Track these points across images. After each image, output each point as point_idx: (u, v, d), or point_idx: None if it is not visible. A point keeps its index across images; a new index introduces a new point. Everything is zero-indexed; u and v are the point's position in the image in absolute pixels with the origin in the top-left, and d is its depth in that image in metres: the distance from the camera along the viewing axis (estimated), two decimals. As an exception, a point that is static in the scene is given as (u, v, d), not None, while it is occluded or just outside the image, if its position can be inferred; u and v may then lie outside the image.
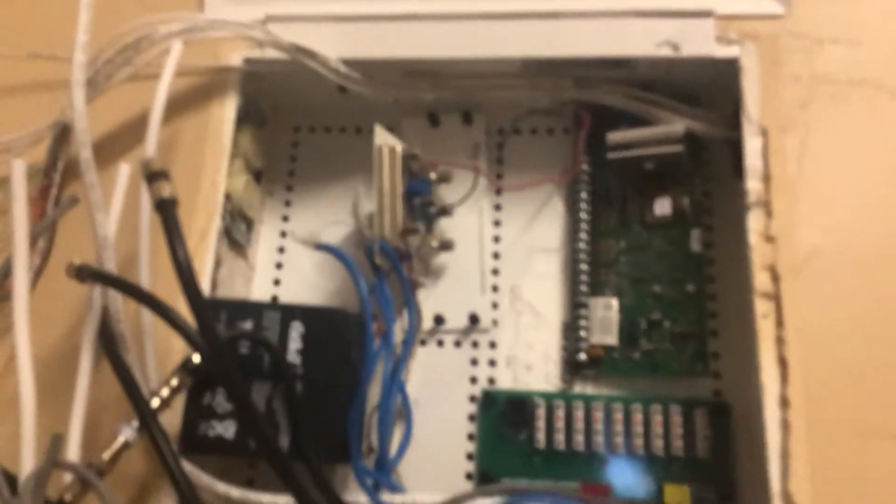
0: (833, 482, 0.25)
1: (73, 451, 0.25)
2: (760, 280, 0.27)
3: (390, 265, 0.33)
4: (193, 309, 0.22)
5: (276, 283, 0.37)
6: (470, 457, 0.33)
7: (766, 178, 0.28)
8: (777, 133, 0.28)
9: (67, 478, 0.24)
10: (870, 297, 0.26)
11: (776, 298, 0.27)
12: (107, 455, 0.25)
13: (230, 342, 0.28)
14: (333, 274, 0.37)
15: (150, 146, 0.28)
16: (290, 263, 0.37)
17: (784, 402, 0.26)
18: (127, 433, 0.25)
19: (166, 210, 0.23)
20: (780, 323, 0.26)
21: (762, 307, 0.27)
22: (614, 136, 0.33)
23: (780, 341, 0.26)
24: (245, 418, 0.23)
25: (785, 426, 0.25)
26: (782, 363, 0.26)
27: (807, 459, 0.25)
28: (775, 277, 0.27)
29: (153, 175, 0.23)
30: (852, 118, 0.28)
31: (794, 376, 0.26)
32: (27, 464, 0.23)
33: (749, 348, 0.28)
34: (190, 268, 0.22)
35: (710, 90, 0.33)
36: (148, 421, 0.25)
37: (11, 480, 0.23)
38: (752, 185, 0.28)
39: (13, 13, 0.39)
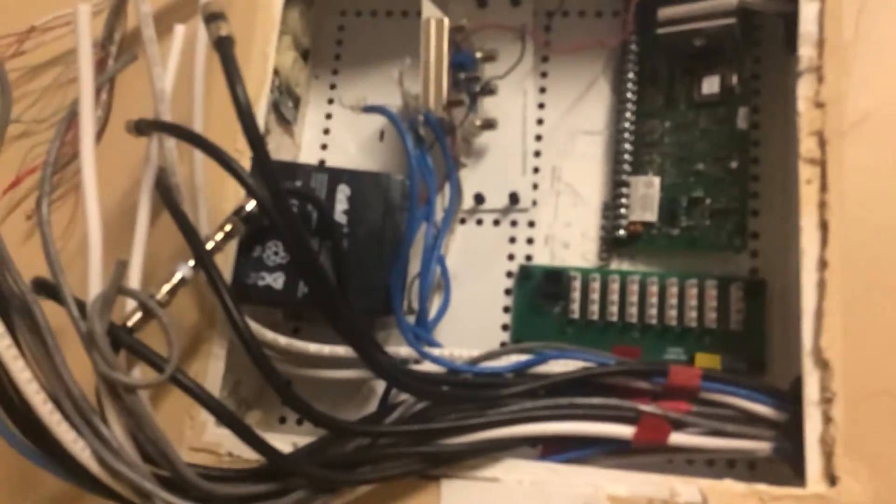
0: (864, 338, 0.25)
1: (134, 283, 0.26)
2: (807, 146, 0.27)
3: (434, 138, 0.33)
4: (250, 139, 0.23)
5: (321, 163, 0.38)
6: (505, 327, 0.34)
7: (820, 44, 0.27)
8: (835, -4, 0.27)
9: (130, 306, 0.26)
10: (918, 163, 0.26)
11: (821, 164, 0.26)
12: (166, 288, 0.26)
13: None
14: (377, 155, 0.37)
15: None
16: (334, 144, 0.38)
17: (822, 264, 0.26)
18: (184, 270, 0.26)
19: (224, 48, 0.23)
20: (823, 187, 0.26)
21: (807, 173, 0.27)
22: (666, 12, 0.32)
23: (822, 205, 0.26)
24: (298, 254, 0.24)
25: (821, 286, 0.25)
26: (823, 226, 0.26)
27: (840, 317, 0.25)
28: (822, 143, 0.27)
29: (212, 16, 0.24)
30: (914, -20, 0.27)
31: (834, 239, 0.26)
32: (94, 289, 0.25)
33: (790, 223, 0.28)
34: (248, 102, 0.23)
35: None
36: (203, 258, 0.26)
37: (81, 306, 0.25)
38: (805, 51, 0.27)
39: None
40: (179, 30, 0.30)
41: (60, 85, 0.36)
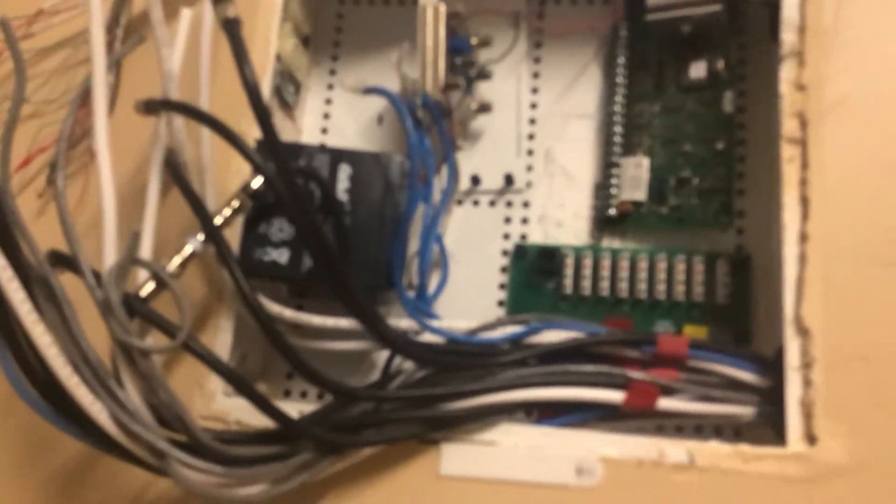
0: (842, 306, 0.26)
1: (145, 257, 0.27)
2: (789, 126, 0.28)
3: (431, 120, 0.34)
4: (257, 114, 0.24)
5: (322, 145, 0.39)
6: (501, 304, 0.35)
7: (802, 30, 0.29)
8: (815, -16, 0.29)
9: (142, 277, 0.27)
10: (893, 141, 0.28)
11: (803, 143, 0.28)
12: (177, 261, 0.27)
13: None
14: (376, 139, 0.39)
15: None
16: (334, 128, 0.39)
17: (803, 237, 0.27)
18: (194, 244, 0.27)
19: (232, 28, 0.24)
20: (804, 165, 0.28)
21: (789, 152, 0.28)
22: (654, -2, 0.33)
23: (803, 182, 0.28)
24: (303, 226, 0.25)
25: (802, 258, 0.27)
26: (804, 202, 0.27)
27: (820, 287, 0.27)
28: (803, 123, 0.28)
29: (219, -3, 0.25)
30: (892, -31, 0.29)
31: (815, 213, 0.27)
32: (109, 259, 0.26)
33: (774, 199, 0.30)
34: (255, 81, 0.24)
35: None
36: (213, 232, 0.27)
37: (96, 276, 0.26)
38: (787, 36, 0.29)
39: None
40: (186, 13, 0.31)
41: (69, 67, 0.37)
